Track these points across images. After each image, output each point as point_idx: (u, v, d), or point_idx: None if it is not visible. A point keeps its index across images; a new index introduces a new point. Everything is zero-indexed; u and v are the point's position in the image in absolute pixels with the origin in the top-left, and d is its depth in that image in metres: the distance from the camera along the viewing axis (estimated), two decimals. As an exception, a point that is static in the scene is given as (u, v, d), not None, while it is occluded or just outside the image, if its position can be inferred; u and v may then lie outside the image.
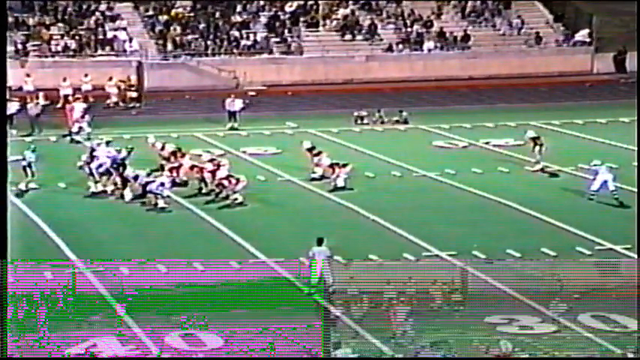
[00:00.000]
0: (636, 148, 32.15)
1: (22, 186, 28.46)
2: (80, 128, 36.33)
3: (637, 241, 23.37)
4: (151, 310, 19.67)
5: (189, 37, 48.32)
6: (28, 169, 28.75)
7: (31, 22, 47.76)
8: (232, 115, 38.57)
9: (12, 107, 37.16)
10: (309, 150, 30.63)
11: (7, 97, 38.23)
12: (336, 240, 24.38)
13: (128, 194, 27.66)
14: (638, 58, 44.50)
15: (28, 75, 42.68)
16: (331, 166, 29.59)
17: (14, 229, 25.07)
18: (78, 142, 35.60)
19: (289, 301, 20.26)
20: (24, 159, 28.79)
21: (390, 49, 49.46)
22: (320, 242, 20.61)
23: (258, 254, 23.22)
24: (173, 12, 49.29)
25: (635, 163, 30.77)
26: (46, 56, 46.10)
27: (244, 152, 34.13)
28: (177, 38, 48.08)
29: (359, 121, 39.25)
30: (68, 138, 36.05)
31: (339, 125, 38.24)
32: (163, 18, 48.99)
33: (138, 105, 42.04)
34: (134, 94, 42.47)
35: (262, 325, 18.93)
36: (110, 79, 42.53)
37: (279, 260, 22.59)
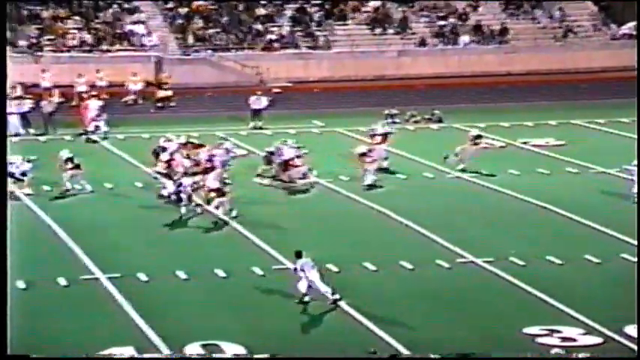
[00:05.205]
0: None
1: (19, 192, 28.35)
2: (96, 127, 36.56)
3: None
4: (171, 319, 19.78)
5: (211, 31, 48.47)
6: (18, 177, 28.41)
7: (45, 15, 48.07)
8: (256, 113, 38.67)
9: (25, 105, 37.46)
10: (362, 155, 30.33)
11: (22, 94, 38.63)
12: (365, 245, 24.41)
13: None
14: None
15: (43, 71, 42.93)
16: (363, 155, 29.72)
17: (28, 233, 25.30)
18: (94, 141, 35.83)
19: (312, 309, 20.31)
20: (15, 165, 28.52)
21: (422, 43, 49.37)
22: (300, 255, 20.58)
23: (283, 260, 23.23)
24: (194, 4, 49.45)
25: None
26: (62, 51, 46.37)
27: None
28: (199, 32, 48.24)
29: (389, 120, 39.23)
30: (84, 137, 36.27)
31: (368, 124, 38.22)
32: (184, 11, 49.16)
33: (170, 105, 42.03)
34: (166, 93, 42.46)
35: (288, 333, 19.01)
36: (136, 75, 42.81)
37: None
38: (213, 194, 26.72)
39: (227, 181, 27.90)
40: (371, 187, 29.44)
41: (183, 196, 26.51)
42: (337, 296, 20.26)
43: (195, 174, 28.00)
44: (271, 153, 30.67)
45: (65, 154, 29.27)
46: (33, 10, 48.04)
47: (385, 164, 31.25)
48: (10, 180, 28.19)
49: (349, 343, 18.75)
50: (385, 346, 18.39)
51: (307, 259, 20.47)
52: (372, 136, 33.08)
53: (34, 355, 17.21)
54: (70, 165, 28.90)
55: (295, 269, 20.51)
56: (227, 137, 33.03)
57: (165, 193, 27.46)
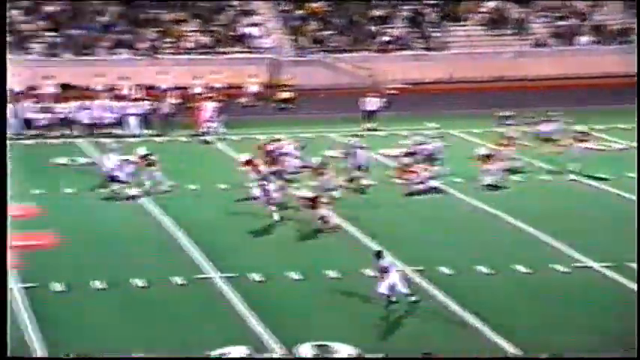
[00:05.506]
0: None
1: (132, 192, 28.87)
2: (210, 128, 37.10)
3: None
4: (284, 319, 19.97)
5: (326, 33, 48.73)
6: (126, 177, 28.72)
7: (164, 18, 49.05)
8: (370, 114, 38.73)
9: (144, 106, 38.29)
10: (487, 157, 30.14)
11: (140, 96, 39.52)
12: (479, 247, 24.22)
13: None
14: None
15: (161, 73, 43.78)
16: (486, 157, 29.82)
17: (142, 233, 25.85)
18: (208, 142, 36.40)
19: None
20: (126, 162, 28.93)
21: (541, 44, 48.70)
22: (380, 255, 20.54)
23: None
24: (309, 7, 49.81)
25: None
26: (179, 53, 47.26)
27: (383, 155, 34.11)
28: (314, 34, 48.56)
29: (504, 122, 38.77)
30: (199, 138, 36.87)
31: (482, 126, 37.91)
32: (299, 13, 49.57)
33: (291, 106, 42.44)
34: (288, 94, 42.88)
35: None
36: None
37: (418, 268, 22.59)
38: (306, 202, 26.15)
39: (332, 185, 27.52)
40: (489, 187, 29.27)
41: (273, 199, 26.50)
42: (415, 298, 20.19)
43: (292, 173, 28.04)
44: (411, 153, 30.57)
45: (142, 151, 29.68)
46: (152, 14, 49.08)
47: (509, 166, 30.92)
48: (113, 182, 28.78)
49: (461, 345, 18.65)
50: (499, 349, 18.22)
51: (389, 260, 20.45)
52: (501, 138, 32.65)
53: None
54: (145, 162, 29.15)
55: (378, 269, 20.48)
56: (355, 138, 32.44)
57: (252, 195, 27.47)
